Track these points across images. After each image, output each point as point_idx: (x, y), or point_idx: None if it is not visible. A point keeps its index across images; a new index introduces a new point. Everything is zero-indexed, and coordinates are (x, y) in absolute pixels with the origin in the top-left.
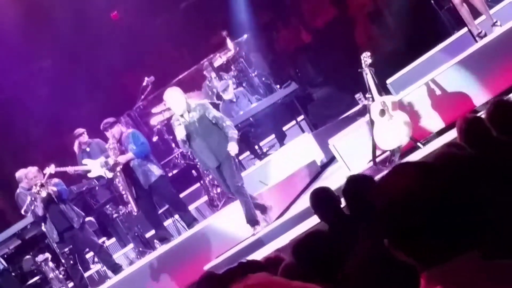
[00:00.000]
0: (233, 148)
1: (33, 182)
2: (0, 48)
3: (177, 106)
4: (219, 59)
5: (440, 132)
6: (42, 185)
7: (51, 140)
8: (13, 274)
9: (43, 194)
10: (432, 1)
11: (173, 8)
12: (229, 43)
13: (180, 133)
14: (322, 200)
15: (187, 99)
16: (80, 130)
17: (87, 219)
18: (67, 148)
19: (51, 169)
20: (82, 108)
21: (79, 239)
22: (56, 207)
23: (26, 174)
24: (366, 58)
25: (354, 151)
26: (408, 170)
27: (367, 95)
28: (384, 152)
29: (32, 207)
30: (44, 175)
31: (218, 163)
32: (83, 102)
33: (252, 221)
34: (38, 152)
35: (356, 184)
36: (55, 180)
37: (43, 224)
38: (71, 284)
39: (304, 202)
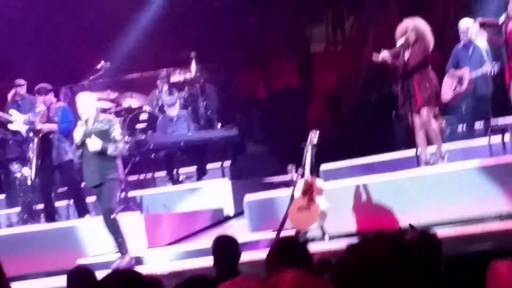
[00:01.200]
0: (94, 141)
1: None
2: None
3: (85, 111)
4: (177, 76)
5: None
6: None
7: None
8: None
9: None
10: (394, 112)
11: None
12: (193, 65)
13: (77, 136)
14: (227, 248)
15: (98, 109)
16: (21, 81)
17: None
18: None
19: None
20: (31, 62)
21: None
22: None
23: None
24: (313, 136)
25: (263, 215)
26: None
27: (299, 170)
28: (291, 229)
29: None
30: None
31: (98, 182)
32: (35, 56)
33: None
34: None
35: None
36: None
37: None
38: None
39: (198, 242)
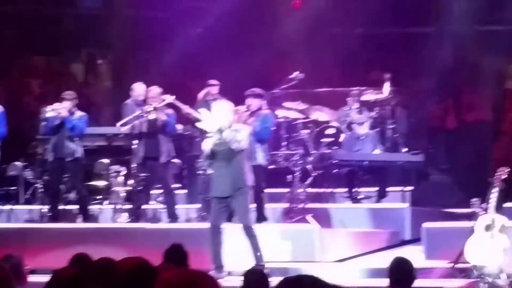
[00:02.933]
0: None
1: (150, 101)
2: None
3: (220, 120)
4: (369, 95)
5: None
6: (155, 108)
7: (182, 76)
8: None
9: (151, 116)
10: None
11: (363, 25)
12: (386, 87)
13: (207, 146)
14: (403, 270)
15: (231, 121)
16: (215, 81)
17: (174, 160)
18: (191, 91)
19: (171, 98)
20: (223, 67)
21: (159, 173)
22: (155, 134)
23: (148, 91)
24: (502, 173)
25: (440, 244)
26: None
27: (483, 205)
28: (467, 263)
29: (135, 122)
30: (163, 100)
31: (229, 193)
32: (228, 62)
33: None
34: (165, 77)
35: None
36: (169, 110)
37: (135, 141)
38: (126, 206)
39: (371, 262)
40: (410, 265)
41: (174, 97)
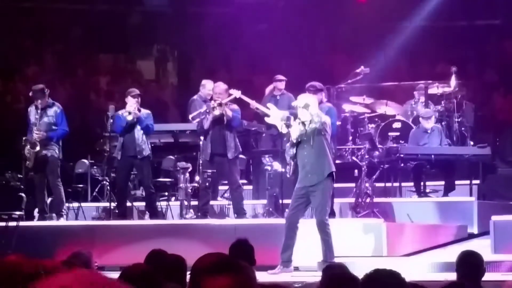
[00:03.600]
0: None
1: (216, 96)
2: None
3: (309, 112)
4: (435, 89)
5: None
6: (220, 104)
7: (248, 71)
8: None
9: (217, 112)
10: None
11: (429, 18)
12: (453, 80)
13: (294, 135)
14: (472, 263)
15: (314, 112)
16: (282, 76)
17: (241, 156)
18: (257, 87)
19: (237, 93)
20: (290, 62)
21: (226, 169)
22: (221, 130)
23: (214, 87)
24: None
25: (509, 238)
26: None
27: None
28: None
29: (203, 117)
30: (229, 95)
31: (316, 182)
32: (294, 57)
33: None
34: (232, 73)
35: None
36: (235, 106)
37: (202, 137)
38: (193, 203)
39: (439, 256)
40: (480, 259)
41: (240, 92)
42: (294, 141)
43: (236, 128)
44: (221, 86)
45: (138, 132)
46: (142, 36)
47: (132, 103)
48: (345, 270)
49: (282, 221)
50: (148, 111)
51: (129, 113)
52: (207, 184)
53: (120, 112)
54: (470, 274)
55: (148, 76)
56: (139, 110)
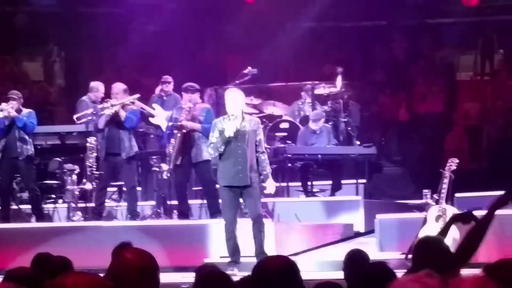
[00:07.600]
0: (271, 186)
1: (113, 97)
2: None
3: (235, 108)
4: (321, 89)
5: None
6: (112, 105)
7: (137, 72)
8: (34, 166)
9: (107, 112)
10: None
11: (316, 19)
12: (339, 81)
13: (229, 130)
14: (357, 263)
15: (243, 108)
16: (169, 78)
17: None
18: (143, 87)
19: (135, 96)
20: (178, 63)
21: (123, 169)
22: (116, 129)
23: (112, 87)
24: (452, 163)
25: (393, 236)
26: None
27: (434, 195)
28: None
29: (89, 118)
30: (125, 97)
31: (247, 183)
32: (183, 57)
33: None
34: (120, 74)
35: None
36: (133, 107)
37: (95, 138)
38: (80, 205)
39: (326, 254)
40: (366, 257)
41: (139, 95)
42: (231, 135)
43: (131, 128)
44: (119, 86)
45: (19, 132)
46: (29, 37)
47: (8, 105)
48: (218, 269)
49: (170, 222)
50: (30, 110)
51: (1, 110)
52: (102, 185)
53: None
54: (357, 272)
55: (35, 77)
56: (20, 111)
